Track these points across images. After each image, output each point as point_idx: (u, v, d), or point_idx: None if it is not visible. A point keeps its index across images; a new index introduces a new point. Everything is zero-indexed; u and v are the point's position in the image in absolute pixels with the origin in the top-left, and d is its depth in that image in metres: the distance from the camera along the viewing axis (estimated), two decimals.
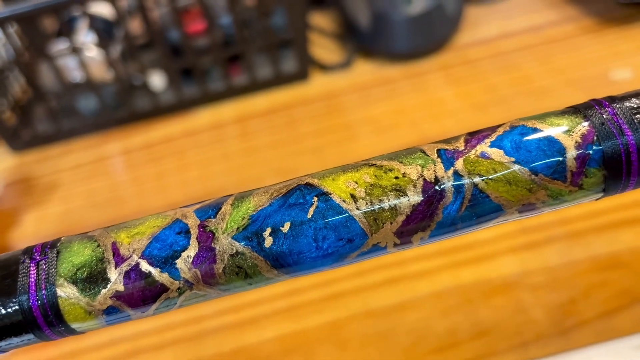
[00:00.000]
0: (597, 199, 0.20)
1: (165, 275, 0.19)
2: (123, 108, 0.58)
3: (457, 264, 0.38)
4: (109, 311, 0.19)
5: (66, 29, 0.54)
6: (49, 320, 0.19)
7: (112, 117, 0.58)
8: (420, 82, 0.55)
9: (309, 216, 0.19)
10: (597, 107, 0.19)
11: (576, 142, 0.19)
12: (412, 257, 0.39)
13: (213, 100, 0.58)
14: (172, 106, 0.58)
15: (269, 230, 0.19)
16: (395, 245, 0.20)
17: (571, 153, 0.19)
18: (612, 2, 0.58)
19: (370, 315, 0.37)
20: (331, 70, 0.59)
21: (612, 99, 0.20)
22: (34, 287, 0.19)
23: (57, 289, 0.19)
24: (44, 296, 0.19)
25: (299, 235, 0.19)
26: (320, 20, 0.65)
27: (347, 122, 0.53)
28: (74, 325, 0.19)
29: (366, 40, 0.59)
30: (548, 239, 0.39)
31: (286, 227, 0.19)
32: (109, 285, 0.19)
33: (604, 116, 0.19)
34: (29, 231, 0.49)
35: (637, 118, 0.19)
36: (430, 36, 0.57)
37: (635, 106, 0.19)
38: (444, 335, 0.35)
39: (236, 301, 0.39)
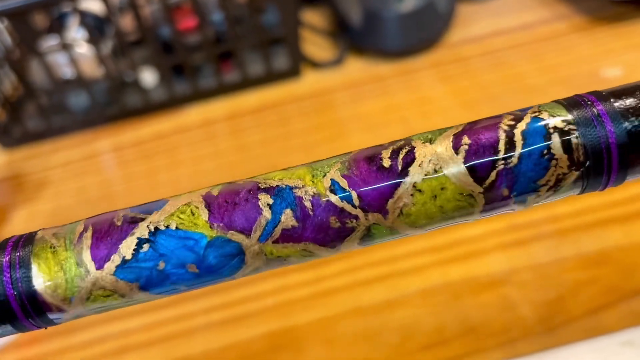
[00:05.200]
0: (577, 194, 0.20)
1: None
2: (114, 105, 0.57)
3: (445, 261, 0.38)
4: None
5: (57, 25, 0.54)
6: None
7: (102, 114, 0.57)
8: (412, 79, 0.55)
9: None
10: (582, 102, 0.19)
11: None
12: (401, 254, 0.39)
13: (204, 97, 0.58)
14: (163, 103, 0.58)
15: None
16: None
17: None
18: (603, 0, 0.58)
19: (359, 313, 0.37)
20: (323, 67, 0.59)
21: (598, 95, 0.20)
22: None
23: None
24: None
25: None
26: (312, 17, 0.65)
27: (338, 119, 0.53)
28: None
29: (358, 38, 0.59)
30: (536, 236, 0.39)
31: None
32: None
33: (593, 111, 0.19)
34: (19, 228, 0.49)
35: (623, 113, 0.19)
36: (421, 34, 0.57)
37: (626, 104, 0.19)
38: (432, 332, 0.35)
39: (225, 298, 0.39)
